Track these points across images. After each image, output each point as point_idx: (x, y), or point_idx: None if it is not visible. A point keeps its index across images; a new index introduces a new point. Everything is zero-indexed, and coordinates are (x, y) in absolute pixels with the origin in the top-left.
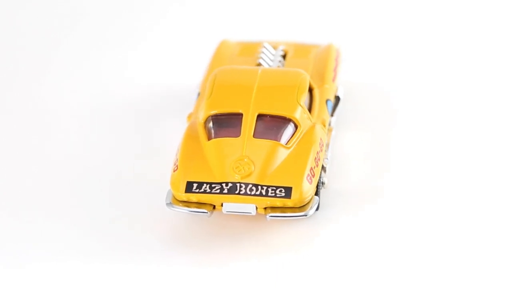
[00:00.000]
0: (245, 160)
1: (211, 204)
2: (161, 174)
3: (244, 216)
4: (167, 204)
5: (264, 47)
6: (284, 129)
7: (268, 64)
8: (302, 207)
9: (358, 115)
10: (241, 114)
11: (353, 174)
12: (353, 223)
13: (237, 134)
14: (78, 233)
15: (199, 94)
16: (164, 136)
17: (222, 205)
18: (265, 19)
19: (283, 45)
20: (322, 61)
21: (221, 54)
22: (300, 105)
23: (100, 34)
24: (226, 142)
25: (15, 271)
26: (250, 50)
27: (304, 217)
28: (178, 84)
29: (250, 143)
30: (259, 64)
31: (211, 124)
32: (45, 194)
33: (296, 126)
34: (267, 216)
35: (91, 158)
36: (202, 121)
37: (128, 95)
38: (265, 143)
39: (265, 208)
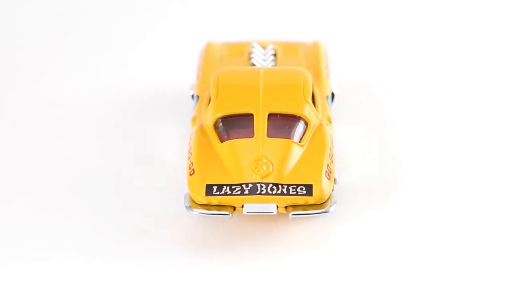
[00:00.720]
0: (264, 160)
1: (231, 206)
2: (164, 174)
3: (257, 216)
4: (186, 207)
5: (253, 47)
6: (296, 127)
7: (261, 64)
8: (322, 204)
9: (346, 111)
10: (252, 115)
11: (353, 170)
12: (368, 219)
13: (250, 134)
14: (79, 233)
15: (198, 97)
16: (165, 136)
17: (242, 206)
18: (256, 18)
19: (271, 44)
20: (313, 58)
21: (211, 56)
22: (308, 102)
23: (100, 34)
24: (240, 143)
25: (16, 270)
26: (238, 50)
27: (325, 213)
28: (179, 84)
29: (265, 142)
30: (253, 64)
31: (221, 126)
32: (45, 194)
33: (306, 124)
34: (290, 215)
35: (91, 158)
36: (211, 124)
37: (128, 95)
38: (280, 142)
39: (285, 207)
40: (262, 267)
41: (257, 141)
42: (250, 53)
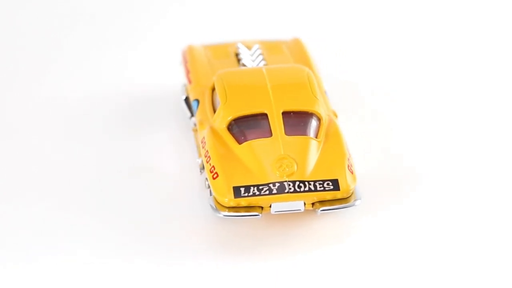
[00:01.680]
0: (287, 158)
1: (259, 206)
2: (166, 174)
3: (275, 214)
4: (215, 211)
5: (239, 47)
6: (310, 124)
7: (251, 64)
8: (347, 199)
9: (343, 110)
10: (265, 114)
11: (355, 167)
12: (383, 213)
13: (267, 134)
14: (77, 233)
15: (197, 100)
16: (166, 136)
17: (270, 205)
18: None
19: (251, 43)
20: (300, 55)
21: (198, 58)
22: (317, 98)
23: (100, 34)
24: (260, 143)
25: (16, 270)
26: (223, 52)
27: (352, 207)
28: (179, 84)
29: (285, 141)
30: (243, 65)
31: (236, 128)
32: (45, 194)
33: (319, 119)
34: (318, 211)
35: (91, 157)
36: (225, 126)
37: (128, 95)
38: (299, 140)
39: (312, 204)
40: (284, 265)
41: (276, 140)
42: (237, 54)
